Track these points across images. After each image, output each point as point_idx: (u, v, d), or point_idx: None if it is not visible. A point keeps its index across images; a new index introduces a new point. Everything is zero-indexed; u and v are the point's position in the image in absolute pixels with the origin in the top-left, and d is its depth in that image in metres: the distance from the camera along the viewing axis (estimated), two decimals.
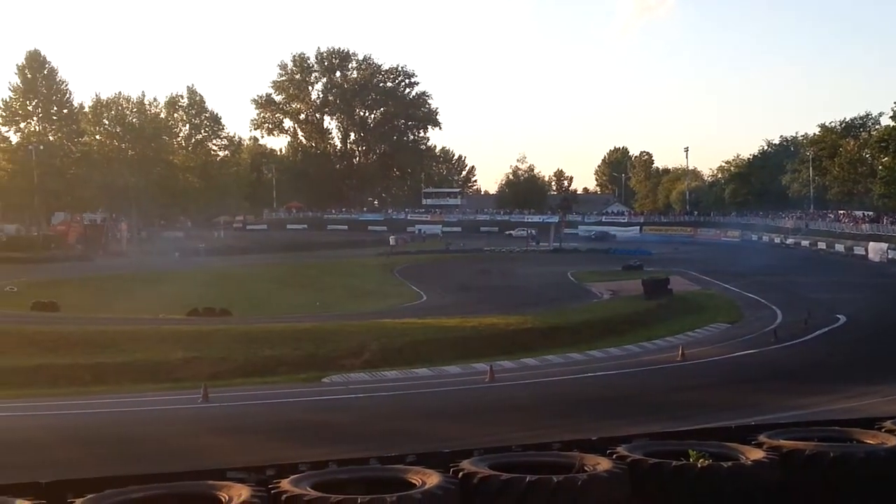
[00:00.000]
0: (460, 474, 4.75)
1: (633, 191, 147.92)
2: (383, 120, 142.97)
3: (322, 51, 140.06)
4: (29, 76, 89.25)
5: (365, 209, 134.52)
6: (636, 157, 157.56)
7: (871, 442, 5.65)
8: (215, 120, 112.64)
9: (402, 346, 27.41)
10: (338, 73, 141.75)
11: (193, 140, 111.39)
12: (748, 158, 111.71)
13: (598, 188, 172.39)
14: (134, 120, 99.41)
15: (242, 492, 4.35)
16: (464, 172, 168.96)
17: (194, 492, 4.48)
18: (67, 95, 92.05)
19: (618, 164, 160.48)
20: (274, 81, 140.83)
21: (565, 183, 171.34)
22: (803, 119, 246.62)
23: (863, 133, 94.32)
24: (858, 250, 69.14)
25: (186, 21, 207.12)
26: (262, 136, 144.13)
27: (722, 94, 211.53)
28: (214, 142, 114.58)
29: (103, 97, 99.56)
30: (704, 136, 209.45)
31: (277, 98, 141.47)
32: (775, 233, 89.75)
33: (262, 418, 17.02)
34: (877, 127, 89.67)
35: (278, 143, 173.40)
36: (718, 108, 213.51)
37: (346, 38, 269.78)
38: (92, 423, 16.68)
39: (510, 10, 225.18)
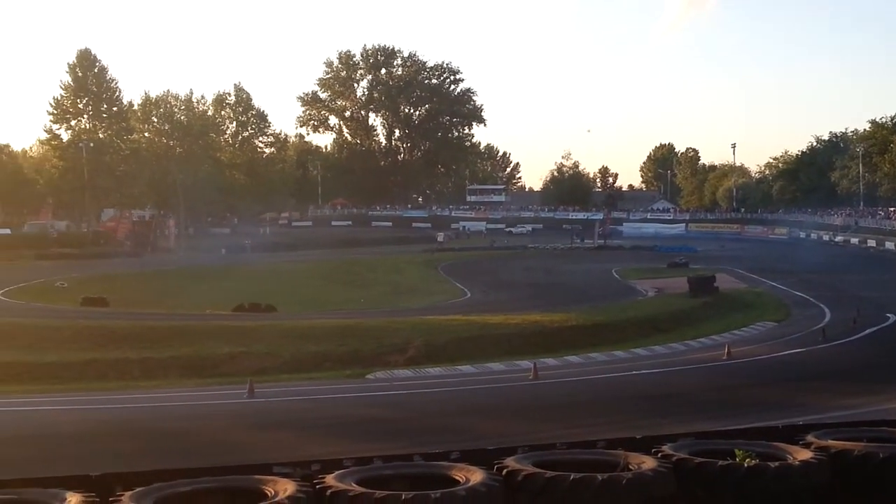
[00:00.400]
0: (504, 471, 4.73)
1: (679, 187, 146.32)
2: (428, 117, 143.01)
3: (367, 48, 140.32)
4: (80, 74, 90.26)
5: (409, 206, 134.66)
6: (682, 153, 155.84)
7: None
8: (262, 117, 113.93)
9: (445, 343, 27.39)
10: (383, 71, 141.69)
11: (240, 137, 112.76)
12: (796, 155, 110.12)
13: (643, 185, 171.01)
14: (182, 117, 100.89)
15: (288, 486, 4.37)
16: (508, 169, 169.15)
17: (241, 486, 4.51)
18: (117, 93, 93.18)
19: (663, 161, 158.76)
20: (320, 79, 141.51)
21: (610, 180, 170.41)
22: (853, 115, 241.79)
23: None
24: None
25: (233, 20, 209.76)
26: (308, 133, 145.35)
27: (769, 89, 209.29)
28: (261, 139, 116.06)
29: (152, 95, 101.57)
30: (752, 132, 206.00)
31: (323, 95, 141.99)
32: (824, 230, 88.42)
33: (306, 414, 17.08)
34: None
35: (324, 140, 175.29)
36: (766, 103, 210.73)
37: (391, 36, 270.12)
38: (140, 417, 16.97)
39: (555, 7, 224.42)
